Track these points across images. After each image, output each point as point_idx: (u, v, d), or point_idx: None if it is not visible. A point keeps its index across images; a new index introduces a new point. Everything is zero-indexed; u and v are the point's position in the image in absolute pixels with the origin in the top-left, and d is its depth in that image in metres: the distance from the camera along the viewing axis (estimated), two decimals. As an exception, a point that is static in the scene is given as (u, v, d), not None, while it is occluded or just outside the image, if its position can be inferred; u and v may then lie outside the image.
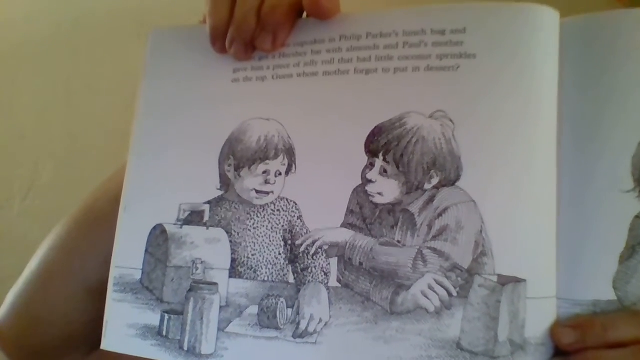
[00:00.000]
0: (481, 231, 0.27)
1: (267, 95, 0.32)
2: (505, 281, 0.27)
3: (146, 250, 0.33)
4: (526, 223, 0.27)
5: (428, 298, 0.27)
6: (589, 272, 0.27)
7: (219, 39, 0.32)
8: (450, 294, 0.27)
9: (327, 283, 0.29)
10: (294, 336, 0.29)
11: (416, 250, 0.28)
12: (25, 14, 0.89)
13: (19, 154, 0.89)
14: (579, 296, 0.27)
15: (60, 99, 0.87)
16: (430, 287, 0.27)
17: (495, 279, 0.27)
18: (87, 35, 0.84)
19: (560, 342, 0.26)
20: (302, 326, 0.29)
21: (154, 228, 0.33)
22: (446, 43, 0.28)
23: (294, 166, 0.31)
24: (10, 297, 0.38)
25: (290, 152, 0.31)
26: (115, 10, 0.81)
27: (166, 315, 0.31)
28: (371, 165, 0.29)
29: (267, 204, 0.31)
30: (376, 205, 0.29)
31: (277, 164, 0.31)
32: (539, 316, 0.27)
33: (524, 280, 0.27)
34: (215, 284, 0.31)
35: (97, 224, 0.37)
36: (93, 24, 0.84)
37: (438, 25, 0.28)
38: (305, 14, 0.32)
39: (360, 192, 0.29)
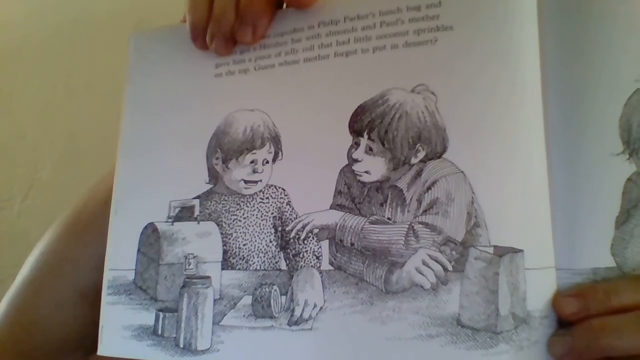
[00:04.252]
0: (472, 202, 0.27)
1: (251, 86, 0.32)
2: (501, 252, 0.26)
3: (138, 250, 0.32)
4: (517, 191, 0.26)
5: (423, 274, 0.27)
6: (586, 240, 0.26)
7: (200, 36, 0.32)
8: (445, 269, 0.26)
9: (320, 267, 0.29)
10: (289, 324, 0.28)
11: (407, 226, 0.27)
12: (25, 14, 0.90)
13: (19, 154, 0.89)
14: (577, 265, 0.26)
15: (60, 99, 0.87)
16: (425, 263, 0.27)
17: (491, 250, 0.26)
18: (87, 35, 0.85)
19: (563, 313, 0.25)
20: (297, 313, 0.28)
21: (145, 227, 0.32)
22: (422, 18, 0.28)
23: (280, 153, 0.31)
24: (3, 303, 0.38)
25: (276, 140, 0.31)
26: (115, 10, 0.82)
27: (161, 313, 0.31)
28: (356, 144, 0.29)
29: (256, 193, 0.31)
30: (364, 184, 0.29)
31: (264, 153, 0.31)
32: (539, 287, 0.26)
33: (522, 251, 0.26)
34: (208, 277, 0.30)
35: (87, 228, 0.37)
36: (93, 24, 0.85)
37: (413, 2, 0.29)
38: (284, 5, 0.32)
39: (347, 172, 0.29)
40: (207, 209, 0.32)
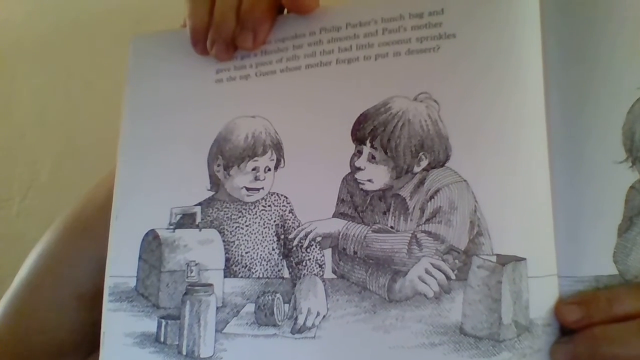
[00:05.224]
0: (475, 211, 0.27)
1: (252, 93, 0.32)
2: (504, 261, 0.26)
3: (140, 257, 0.32)
4: (520, 200, 0.26)
5: (426, 283, 0.27)
6: (589, 247, 0.26)
7: (200, 41, 0.32)
8: (448, 277, 0.26)
9: (323, 275, 0.29)
10: (293, 332, 0.28)
11: (410, 235, 0.27)
12: (25, 14, 0.90)
13: (18, 154, 0.89)
14: (580, 272, 0.26)
15: (59, 98, 0.87)
16: (428, 272, 0.27)
17: (494, 259, 0.26)
18: (87, 35, 0.85)
19: (566, 320, 0.25)
20: (300, 321, 0.28)
21: (147, 234, 0.32)
22: (425, 25, 0.28)
23: (282, 160, 0.31)
24: (1, 305, 0.38)
25: (278, 147, 0.31)
26: (114, 10, 0.81)
27: (163, 320, 0.31)
28: (359, 152, 0.29)
29: (258, 201, 0.31)
30: (367, 192, 0.29)
31: (266, 160, 0.31)
32: (542, 295, 0.26)
33: (524, 259, 0.26)
34: (211, 285, 0.30)
35: (86, 231, 0.37)
36: (92, 23, 0.84)
37: (415, 9, 0.29)
38: (285, 11, 0.32)
39: (350, 181, 0.29)
40: (208, 216, 0.32)
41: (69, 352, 0.38)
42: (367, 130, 0.29)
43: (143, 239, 0.32)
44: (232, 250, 0.31)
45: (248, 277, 0.30)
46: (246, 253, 0.31)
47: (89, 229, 0.36)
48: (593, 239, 0.26)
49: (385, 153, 0.28)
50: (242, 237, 0.31)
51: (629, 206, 0.26)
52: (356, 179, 0.29)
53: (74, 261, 0.37)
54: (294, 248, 0.30)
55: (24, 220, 0.88)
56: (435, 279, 0.27)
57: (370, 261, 0.28)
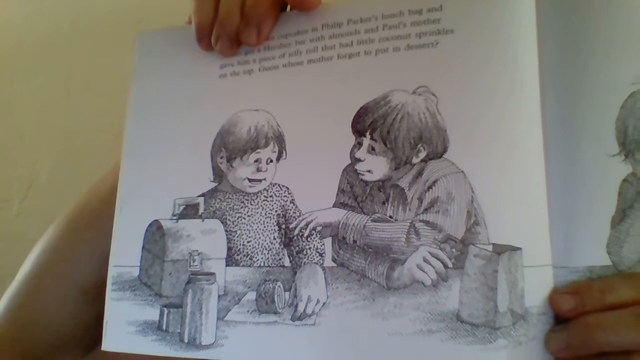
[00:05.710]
0: (472, 201, 0.27)
1: (255, 87, 0.33)
2: (500, 250, 0.27)
3: (143, 247, 0.33)
4: (516, 191, 0.27)
5: (424, 271, 0.27)
6: (582, 239, 0.27)
7: (205, 37, 0.33)
8: (445, 266, 0.27)
9: (323, 263, 0.29)
10: (293, 319, 0.29)
11: (408, 224, 0.28)
12: (25, 14, 0.90)
13: (18, 154, 0.89)
14: (574, 263, 0.27)
15: (59, 99, 0.87)
16: (425, 260, 0.27)
17: (490, 248, 0.27)
18: (87, 36, 0.85)
19: (560, 309, 0.26)
20: (300, 308, 0.29)
21: (150, 224, 0.33)
22: (424, 21, 0.29)
23: (284, 152, 0.31)
24: (4, 300, 0.38)
25: (280, 139, 0.31)
26: (114, 10, 0.82)
27: (165, 309, 0.31)
28: (359, 144, 0.30)
29: (260, 191, 0.32)
30: (366, 183, 0.29)
31: (268, 152, 0.32)
32: (537, 285, 0.27)
33: (520, 249, 0.27)
34: (213, 273, 0.31)
35: (89, 225, 0.37)
36: (92, 24, 0.85)
37: (415, 6, 0.29)
38: (288, 8, 0.33)
39: (350, 172, 0.30)
40: (211, 206, 0.32)
41: (72, 347, 0.38)
42: (367, 123, 0.29)
43: (147, 229, 0.33)
44: (234, 240, 0.31)
45: (249, 265, 0.31)
46: (248, 242, 0.31)
47: (92, 224, 0.37)
48: (587, 230, 0.27)
49: (385, 145, 0.29)
50: (244, 226, 0.31)
51: (622, 199, 0.27)
52: (356, 169, 0.30)
53: (77, 256, 0.37)
54: (295, 237, 0.30)
55: (24, 220, 0.88)
56: (433, 267, 0.27)
57: (370, 250, 0.29)
